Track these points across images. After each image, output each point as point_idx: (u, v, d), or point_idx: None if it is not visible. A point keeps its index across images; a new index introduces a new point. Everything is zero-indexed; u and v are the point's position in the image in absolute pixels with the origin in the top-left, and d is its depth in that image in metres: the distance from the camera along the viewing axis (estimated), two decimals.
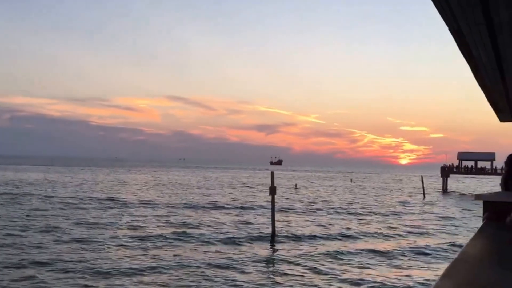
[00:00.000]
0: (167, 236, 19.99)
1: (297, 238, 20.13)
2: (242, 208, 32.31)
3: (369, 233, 21.74)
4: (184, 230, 21.61)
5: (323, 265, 14.96)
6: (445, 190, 61.60)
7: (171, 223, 24.09)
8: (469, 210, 34.78)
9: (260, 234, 21.19)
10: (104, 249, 16.94)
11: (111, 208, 30.19)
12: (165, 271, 13.94)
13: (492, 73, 7.35)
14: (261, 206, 33.10)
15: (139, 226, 22.73)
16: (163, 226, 23.00)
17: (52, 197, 36.07)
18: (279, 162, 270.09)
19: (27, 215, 25.39)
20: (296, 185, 63.15)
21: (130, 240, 18.79)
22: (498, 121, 12.17)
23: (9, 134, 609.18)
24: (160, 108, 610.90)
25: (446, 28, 6.17)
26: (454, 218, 29.85)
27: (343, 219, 27.27)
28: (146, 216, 26.57)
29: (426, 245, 19.53)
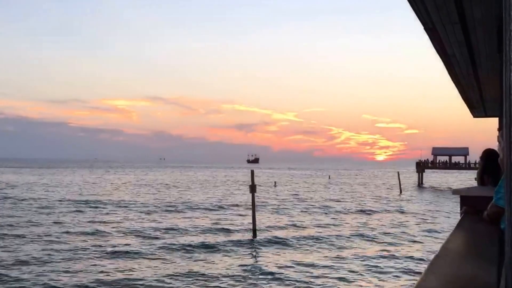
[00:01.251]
0: (138, 241, 18.90)
1: (278, 239, 19.74)
2: (219, 207, 31.95)
3: (348, 234, 21.53)
4: (157, 233, 20.77)
5: (300, 269, 14.81)
6: (420, 185, 62.65)
7: (144, 226, 22.90)
8: (444, 204, 35.44)
9: (240, 234, 20.91)
10: (59, 261, 15.21)
11: (79, 211, 28.97)
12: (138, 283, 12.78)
13: (466, 70, 7.54)
14: (239, 205, 32.97)
15: (106, 232, 21.25)
16: (134, 230, 21.75)
17: (19, 199, 35.35)
18: (256, 160, 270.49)
19: None
20: (275, 183, 63.31)
21: (89, 249, 17.32)
22: (472, 117, 12.49)
23: None
24: (140, 108, 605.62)
25: (421, 25, 6.26)
26: (430, 212, 30.27)
27: (319, 218, 27.24)
28: (115, 219, 25.49)
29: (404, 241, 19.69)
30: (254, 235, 20.55)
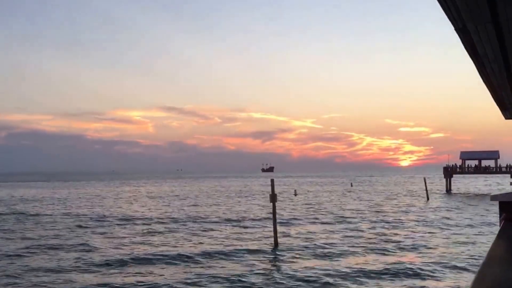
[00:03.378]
0: (159, 254, 18.67)
1: (301, 250, 19.27)
2: (238, 220, 31.05)
3: (373, 248, 20.79)
4: (175, 246, 20.43)
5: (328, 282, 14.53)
6: (449, 191, 61.36)
7: (160, 239, 22.72)
8: (477, 210, 34.56)
9: (261, 247, 20.29)
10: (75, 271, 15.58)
11: (96, 224, 29.12)
12: None
13: (498, 70, 7.29)
14: (259, 216, 32.57)
15: (124, 244, 21.36)
16: (155, 242, 21.63)
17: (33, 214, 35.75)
18: (271, 169, 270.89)
19: None
20: (295, 192, 62.93)
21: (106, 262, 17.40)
22: (503, 118, 12.11)
23: (6, 151, 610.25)
24: (155, 119, 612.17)
25: (447, 25, 6.08)
26: (464, 220, 29.31)
27: (343, 229, 26.76)
28: (132, 232, 25.45)
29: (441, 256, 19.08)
30: (276, 245, 20.25)
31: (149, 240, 22.17)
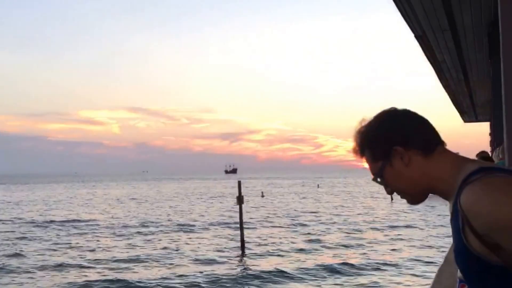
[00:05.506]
0: (108, 260, 17.79)
1: (267, 253, 19.14)
2: (200, 223, 30.11)
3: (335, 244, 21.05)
4: (130, 256, 18.83)
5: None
6: None
7: (115, 245, 21.53)
8: (437, 211, 35.49)
9: (227, 251, 19.82)
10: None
11: (43, 228, 28.17)
12: None
13: (456, 75, 7.60)
14: (223, 219, 32.17)
15: (65, 250, 20.24)
16: (108, 248, 20.42)
17: None
18: (234, 171, 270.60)
19: None
20: (262, 193, 62.89)
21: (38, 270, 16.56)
22: (462, 122, 12.62)
23: None
24: (121, 120, 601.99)
25: (411, 32, 6.30)
26: (426, 221, 30.14)
27: (308, 231, 26.97)
28: (80, 237, 24.29)
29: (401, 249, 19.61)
30: (243, 251, 19.67)
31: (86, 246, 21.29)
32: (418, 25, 5.56)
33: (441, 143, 1.42)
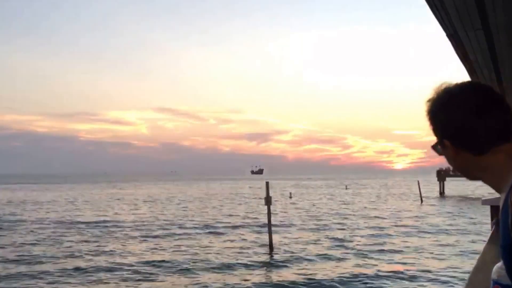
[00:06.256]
0: (135, 264, 17.66)
1: (297, 255, 18.98)
2: (227, 224, 30.24)
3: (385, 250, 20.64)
4: (161, 257, 18.83)
5: None
6: (442, 194, 61.56)
7: (146, 248, 21.38)
8: (470, 214, 34.71)
9: (255, 253, 19.79)
10: None
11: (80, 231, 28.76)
12: None
13: (488, 75, 7.38)
14: (251, 220, 32.28)
15: (104, 251, 20.44)
16: (137, 252, 20.19)
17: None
18: (260, 171, 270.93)
19: None
20: (290, 194, 62.81)
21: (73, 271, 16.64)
22: None
23: None
24: (149, 120, 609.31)
25: (442, 30, 6.16)
26: (457, 224, 29.39)
27: (338, 232, 26.72)
28: (115, 238, 24.52)
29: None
30: (271, 250, 20.00)
31: (127, 248, 21.63)
32: (450, 24, 5.46)
33: (503, 140, 1.28)
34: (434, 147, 1.42)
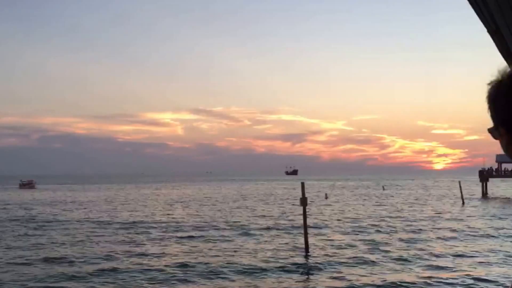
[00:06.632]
0: (169, 267, 17.59)
1: (333, 257, 18.67)
2: (264, 225, 30.20)
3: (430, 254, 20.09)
4: (195, 260, 18.80)
5: None
6: (485, 195, 59.45)
7: (176, 249, 21.48)
8: None
9: (290, 257, 19.47)
10: None
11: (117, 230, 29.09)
12: None
13: None
14: (286, 221, 31.83)
15: (142, 253, 20.64)
16: (171, 254, 20.17)
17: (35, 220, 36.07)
18: (295, 172, 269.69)
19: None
20: (326, 195, 62.05)
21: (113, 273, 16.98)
22: None
23: (38, 154, 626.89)
24: (184, 121, 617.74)
25: (481, 27, 5.73)
26: (502, 227, 28.13)
27: (374, 235, 26.00)
28: (150, 240, 24.77)
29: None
30: (307, 251, 19.84)
31: (164, 250, 21.71)
32: (492, 20, 4.98)
33: None
34: (490, 130, 1.40)
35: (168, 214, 38.47)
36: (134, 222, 32.52)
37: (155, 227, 29.46)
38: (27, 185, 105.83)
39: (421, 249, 20.64)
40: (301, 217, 20.78)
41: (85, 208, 45.90)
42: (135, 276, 15.86)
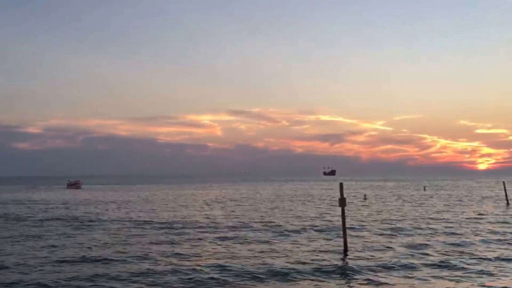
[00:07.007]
0: (205, 267, 17.61)
1: (371, 262, 18.21)
2: (300, 225, 30.08)
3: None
4: (231, 262, 18.57)
5: None
6: None
7: (213, 250, 21.46)
8: None
9: (329, 259, 19.18)
10: None
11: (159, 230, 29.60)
12: None
13: None
14: (324, 222, 31.56)
15: (178, 253, 20.84)
16: (207, 256, 20.17)
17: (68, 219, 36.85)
18: (332, 172, 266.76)
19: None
20: (365, 196, 61.11)
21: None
22: None
23: (83, 155, 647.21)
24: (223, 122, 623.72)
25: None
26: None
27: (415, 238, 25.36)
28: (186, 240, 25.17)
29: None
30: (346, 251, 19.50)
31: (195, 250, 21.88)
32: None
33: None
34: None
35: (206, 215, 38.75)
36: (172, 222, 32.95)
37: (193, 227, 29.75)
38: (74, 185, 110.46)
39: (463, 253, 19.93)
40: (338, 218, 20.54)
41: (126, 208, 46.93)
42: (171, 277, 16.02)
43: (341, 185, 20.28)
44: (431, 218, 33.99)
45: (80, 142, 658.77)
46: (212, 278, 15.79)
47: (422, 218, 33.99)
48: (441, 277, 15.66)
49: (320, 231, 27.39)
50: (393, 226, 29.48)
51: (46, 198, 67.48)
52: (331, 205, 47.85)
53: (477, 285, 14.46)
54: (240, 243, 23.18)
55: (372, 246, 21.67)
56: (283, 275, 16.11)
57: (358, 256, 19.21)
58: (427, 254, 19.64)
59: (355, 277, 15.80)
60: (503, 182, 53.28)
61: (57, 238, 25.85)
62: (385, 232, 26.81)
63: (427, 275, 15.95)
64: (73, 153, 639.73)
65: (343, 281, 15.34)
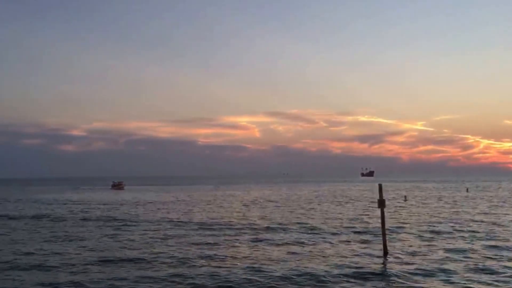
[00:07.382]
0: (240, 269, 17.60)
1: (411, 267, 17.72)
2: (338, 227, 29.83)
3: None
4: (268, 265, 18.40)
5: None
6: None
7: (248, 252, 21.50)
8: None
9: (367, 263, 18.88)
10: None
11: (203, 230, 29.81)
12: None
13: None
14: (364, 224, 31.17)
15: (214, 255, 21.08)
16: (244, 258, 20.04)
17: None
18: (371, 174, 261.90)
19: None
20: (405, 197, 59.93)
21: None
22: None
23: (124, 156, 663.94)
24: (261, 124, 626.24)
25: None
26: None
27: (458, 241, 24.64)
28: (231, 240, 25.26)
29: None
30: (385, 254, 19.25)
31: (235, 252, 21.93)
32: None
33: None
34: None
35: (243, 216, 38.94)
36: (210, 223, 33.27)
37: (229, 229, 29.96)
38: (117, 186, 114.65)
39: (509, 258, 19.21)
40: (377, 219, 20.24)
41: (165, 209, 47.79)
42: (207, 279, 16.15)
43: (380, 186, 20.03)
44: (473, 221, 32.99)
45: (122, 144, 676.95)
46: (247, 280, 15.88)
47: (464, 221, 33.04)
48: (482, 282, 15.19)
49: (358, 233, 27.05)
50: (433, 228, 28.78)
51: (88, 199, 69.60)
52: (369, 206, 47.17)
53: None
54: (276, 245, 23.17)
55: (412, 249, 21.20)
56: (319, 278, 15.97)
57: (398, 260, 18.83)
58: (468, 258, 19.09)
59: (394, 281, 15.45)
60: None
61: (99, 238, 26.62)
62: (425, 234, 26.20)
63: (467, 280, 15.52)
64: (116, 154, 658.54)
65: (382, 286, 15.06)
